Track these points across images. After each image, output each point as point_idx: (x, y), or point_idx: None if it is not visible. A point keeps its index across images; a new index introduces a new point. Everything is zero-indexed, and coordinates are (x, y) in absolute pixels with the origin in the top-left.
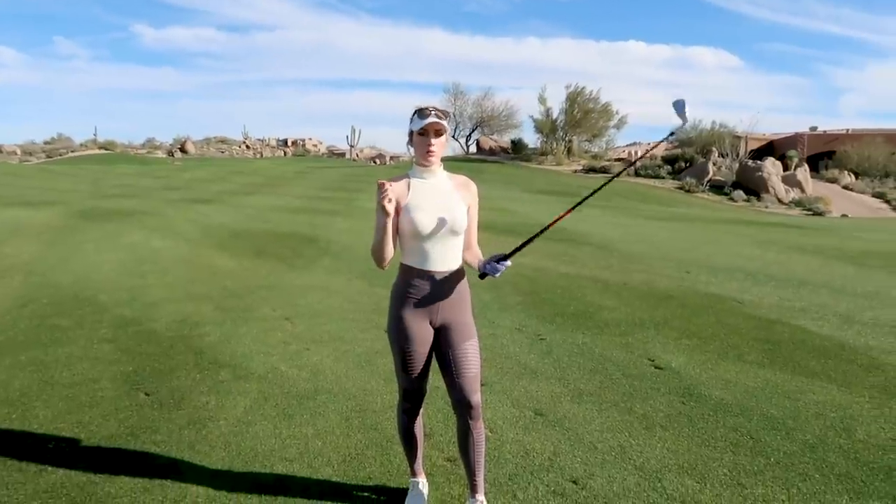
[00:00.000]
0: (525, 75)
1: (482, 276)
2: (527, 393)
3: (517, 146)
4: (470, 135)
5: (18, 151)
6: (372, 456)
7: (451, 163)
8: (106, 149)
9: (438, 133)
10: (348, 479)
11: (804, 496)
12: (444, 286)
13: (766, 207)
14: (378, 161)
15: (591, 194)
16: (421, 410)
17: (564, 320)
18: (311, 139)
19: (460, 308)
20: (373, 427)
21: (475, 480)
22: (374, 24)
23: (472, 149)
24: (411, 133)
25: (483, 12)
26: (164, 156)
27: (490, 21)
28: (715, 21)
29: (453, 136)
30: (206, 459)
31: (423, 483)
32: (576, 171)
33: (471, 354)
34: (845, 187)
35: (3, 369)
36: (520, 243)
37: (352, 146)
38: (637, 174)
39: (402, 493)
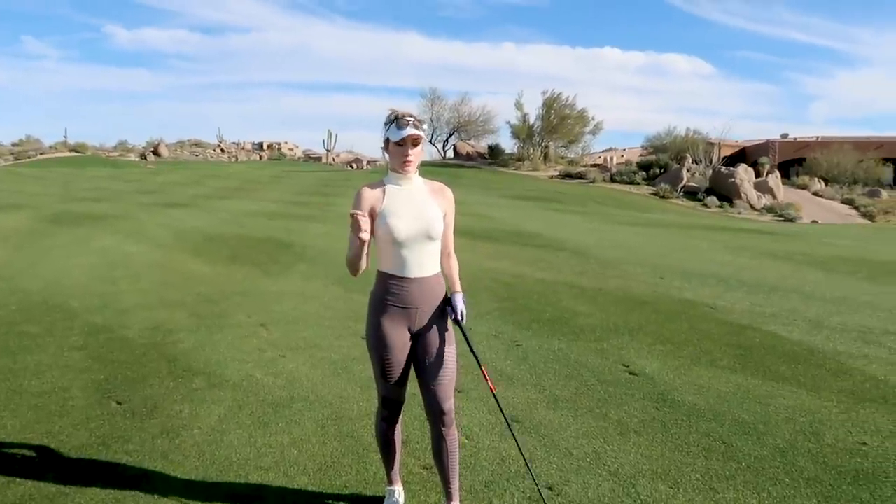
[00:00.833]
0: (502, 81)
1: (455, 322)
2: (503, 399)
3: (494, 151)
4: (447, 140)
5: None
6: (348, 464)
7: (428, 168)
8: (77, 151)
9: (416, 143)
10: (324, 489)
11: (774, 500)
12: (422, 292)
13: (739, 213)
14: (355, 165)
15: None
16: (399, 418)
17: (540, 326)
18: (286, 143)
19: (438, 314)
20: (349, 435)
21: (450, 488)
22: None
23: (450, 154)
24: (387, 141)
25: (460, 17)
26: (137, 159)
27: (467, 26)
28: (688, 28)
29: (430, 142)
30: (180, 469)
31: (399, 492)
32: (552, 177)
33: (448, 361)
34: (815, 194)
35: None
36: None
37: (328, 150)
38: (613, 180)
39: (379, 501)
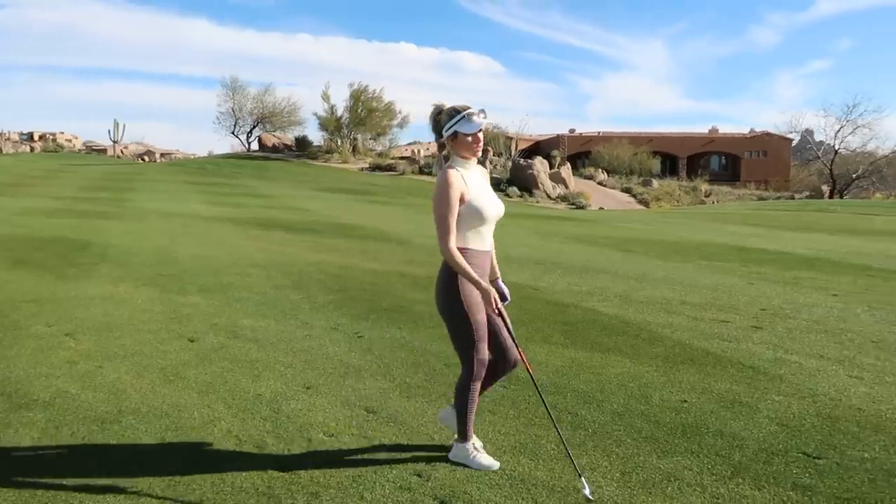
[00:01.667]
0: (300, 72)
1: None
2: (355, 392)
3: (302, 143)
4: (251, 131)
5: None
6: (200, 476)
7: (231, 160)
8: None
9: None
10: None
11: (622, 459)
12: (490, 261)
13: (538, 202)
14: (147, 158)
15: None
16: None
17: (379, 316)
18: (63, 133)
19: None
20: (193, 445)
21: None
22: (128, 9)
23: (255, 146)
24: (455, 133)
25: (251, 5)
26: None
27: (259, 14)
28: (477, 28)
29: (232, 132)
30: None
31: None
32: (362, 169)
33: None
34: (600, 183)
35: None
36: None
37: (115, 142)
38: (422, 172)
39: None
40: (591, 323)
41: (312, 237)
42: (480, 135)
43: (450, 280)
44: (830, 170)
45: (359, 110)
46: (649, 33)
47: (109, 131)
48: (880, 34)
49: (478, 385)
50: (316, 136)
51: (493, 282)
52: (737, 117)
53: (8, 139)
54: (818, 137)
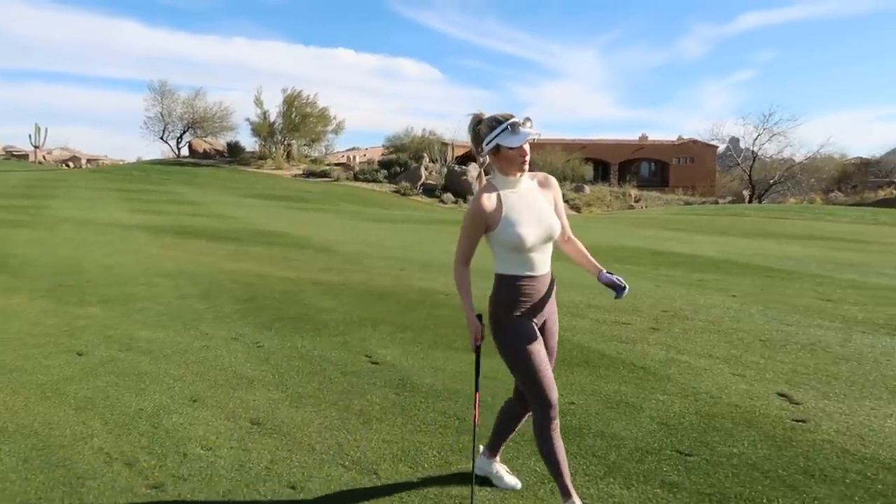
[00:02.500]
0: (236, 77)
1: (614, 287)
2: (243, 403)
3: (234, 149)
4: (181, 136)
5: None
6: (59, 498)
7: (159, 167)
8: None
9: (531, 128)
10: None
11: (505, 463)
12: (546, 287)
13: None
14: (72, 164)
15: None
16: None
17: (283, 325)
18: None
19: (554, 305)
20: (59, 464)
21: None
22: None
23: (185, 151)
24: (497, 147)
25: (183, 7)
26: None
27: (192, 17)
28: (415, 34)
29: (161, 138)
30: None
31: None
32: (296, 176)
33: (555, 352)
34: None
35: None
36: None
37: (37, 147)
38: (356, 178)
39: None
40: None
41: (232, 245)
42: (527, 146)
43: (494, 310)
44: (749, 176)
45: (292, 116)
46: (583, 42)
47: (30, 136)
48: (799, 47)
49: (552, 427)
50: (249, 142)
51: (599, 274)
52: (667, 125)
53: None
54: (743, 145)
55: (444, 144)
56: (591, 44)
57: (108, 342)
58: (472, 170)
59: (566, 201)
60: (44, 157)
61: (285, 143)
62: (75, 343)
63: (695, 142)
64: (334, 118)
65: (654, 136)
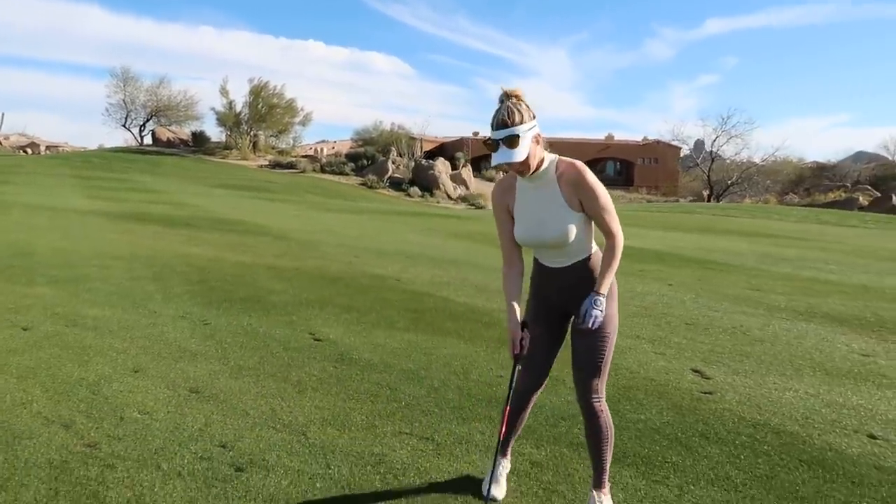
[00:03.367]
0: (203, 66)
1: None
2: (184, 374)
3: (199, 139)
4: (144, 125)
5: None
6: None
7: (122, 154)
8: None
9: (512, 146)
10: None
11: (424, 427)
12: (560, 280)
13: (438, 202)
14: (31, 150)
15: None
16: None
17: (232, 305)
18: None
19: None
20: None
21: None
22: None
23: (148, 139)
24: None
25: None
26: None
27: (157, 4)
28: (387, 29)
29: (123, 126)
30: None
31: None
32: (262, 167)
33: (590, 348)
34: None
35: None
36: None
37: None
38: (323, 170)
39: None
40: (440, 310)
41: (188, 231)
42: (510, 166)
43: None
44: (708, 176)
45: (259, 106)
46: (552, 42)
47: None
48: (761, 54)
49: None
50: (214, 132)
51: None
52: (635, 126)
53: None
54: (708, 147)
55: (413, 139)
56: (561, 44)
57: (54, 318)
58: (440, 164)
59: None
60: (0, 143)
61: (252, 133)
62: (20, 319)
63: (659, 142)
64: (302, 110)
65: (621, 136)
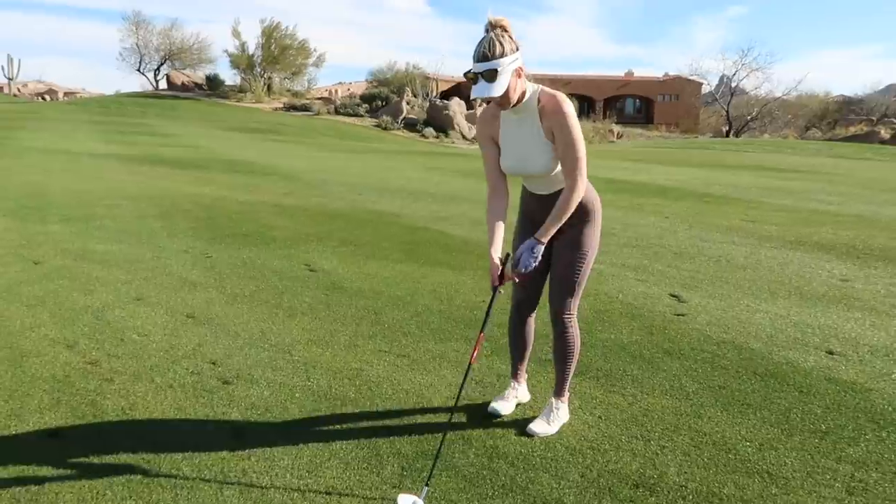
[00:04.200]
0: (214, 7)
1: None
2: (183, 301)
3: (213, 82)
4: (158, 69)
5: None
6: (3, 371)
7: (138, 99)
8: None
9: (491, 79)
10: None
11: (404, 346)
12: (542, 205)
13: (453, 143)
14: (48, 97)
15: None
16: (530, 316)
17: (234, 240)
18: None
19: (568, 232)
20: (5, 346)
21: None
22: None
23: (163, 84)
24: None
25: None
26: None
27: None
28: None
29: (138, 70)
30: None
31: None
32: (276, 109)
33: (561, 267)
34: None
35: None
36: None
37: (10, 79)
38: (338, 112)
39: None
40: (435, 243)
41: (197, 172)
42: (489, 98)
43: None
44: (727, 112)
45: (271, 48)
46: None
47: (2, 68)
48: None
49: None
50: (229, 75)
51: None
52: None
53: None
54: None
55: (427, 79)
56: None
57: (63, 253)
58: (455, 104)
59: None
60: (18, 90)
61: (265, 76)
62: (32, 254)
63: (680, 78)
64: (315, 51)
65: (643, 73)
